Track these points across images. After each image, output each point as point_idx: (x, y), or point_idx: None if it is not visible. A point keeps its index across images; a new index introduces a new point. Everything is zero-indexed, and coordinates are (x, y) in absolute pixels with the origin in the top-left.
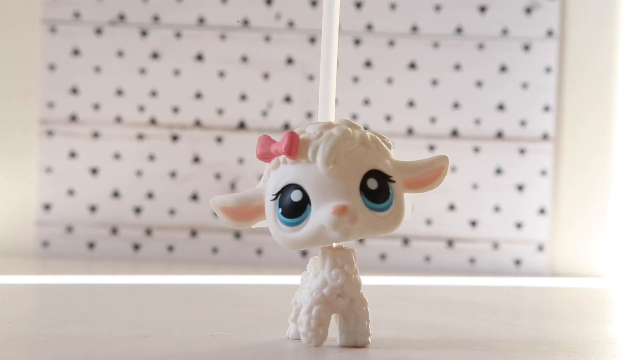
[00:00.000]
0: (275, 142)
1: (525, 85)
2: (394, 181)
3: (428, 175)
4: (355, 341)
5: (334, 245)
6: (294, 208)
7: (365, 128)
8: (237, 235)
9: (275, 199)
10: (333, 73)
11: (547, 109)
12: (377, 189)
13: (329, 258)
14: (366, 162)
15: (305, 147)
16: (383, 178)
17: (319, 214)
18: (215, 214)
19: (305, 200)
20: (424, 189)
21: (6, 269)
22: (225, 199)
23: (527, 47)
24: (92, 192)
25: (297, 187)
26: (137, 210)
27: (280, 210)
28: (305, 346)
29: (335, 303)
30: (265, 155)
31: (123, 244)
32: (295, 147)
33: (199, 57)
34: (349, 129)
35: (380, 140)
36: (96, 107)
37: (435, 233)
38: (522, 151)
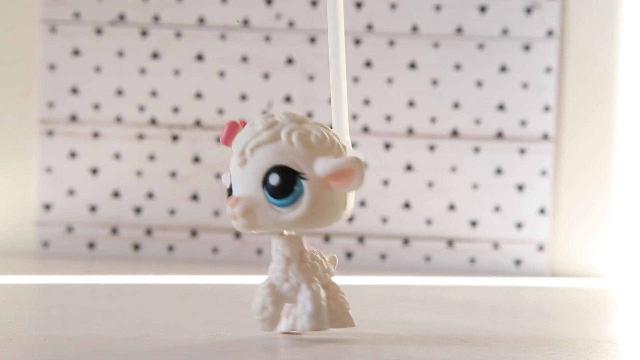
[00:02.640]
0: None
1: (525, 85)
2: (305, 178)
3: (338, 176)
4: (304, 324)
5: (285, 232)
6: (228, 194)
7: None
8: (237, 235)
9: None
10: (343, 78)
11: (547, 109)
12: (279, 185)
13: (273, 244)
14: (275, 158)
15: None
16: (290, 174)
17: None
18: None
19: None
20: (341, 189)
21: (6, 269)
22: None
23: (527, 47)
24: (92, 192)
25: (228, 176)
26: (137, 210)
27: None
28: (305, 345)
29: (282, 289)
30: (227, 142)
31: (123, 244)
32: (228, 136)
33: (199, 57)
34: (279, 121)
35: (309, 134)
36: (96, 107)
37: (435, 233)
38: (522, 151)
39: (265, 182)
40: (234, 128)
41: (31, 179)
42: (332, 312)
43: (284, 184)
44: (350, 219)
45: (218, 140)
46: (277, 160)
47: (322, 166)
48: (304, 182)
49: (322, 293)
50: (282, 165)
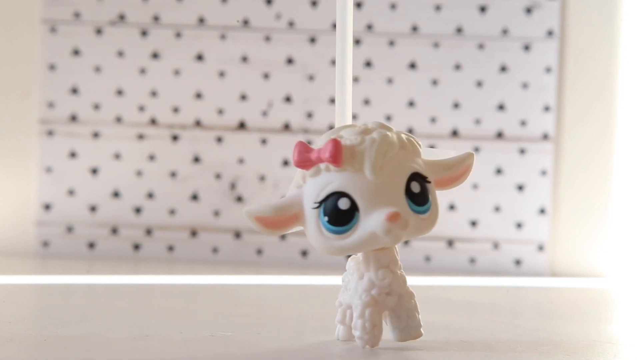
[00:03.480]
0: (312, 149)
1: (525, 85)
2: (429, 182)
3: (456, 173)
4: (409, 335)
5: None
6: (342, 216)
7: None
8: (237, 235)
9: (318, 207)
10: (349, 76)
11: (547, 109)
12: (419, 192)
13: (372, 259)
14: (407, 166)
15: (350, 154)
16: (422, 180)
17: (370, 221)
18: (251, 223)
19: (353, 208)
20: (450, 187)
21: (6, 269)
22: (261, 208)
23: (527, 47)
24: (92, 192)
25: (343, 194)
26: (137, 210)
27: (326, 218)
28: (305, 345)
29: (385, 302)
30: (305, 163)
31: (123, 244)
32: (340, 154)
33: (199, 57)
34: (387, 132)
35: (414, 140)
36: (96, 107)
37: (435, 233)
38: (522, 151)
39: (407, 191)
40: (340, 145)
41: (31, 179)
42: None
43: (423, 190)
44: None
45: (218, 140)
46: (411, 168)
47: (444, 166)
48: (429, 186)
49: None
50: (417, 172)
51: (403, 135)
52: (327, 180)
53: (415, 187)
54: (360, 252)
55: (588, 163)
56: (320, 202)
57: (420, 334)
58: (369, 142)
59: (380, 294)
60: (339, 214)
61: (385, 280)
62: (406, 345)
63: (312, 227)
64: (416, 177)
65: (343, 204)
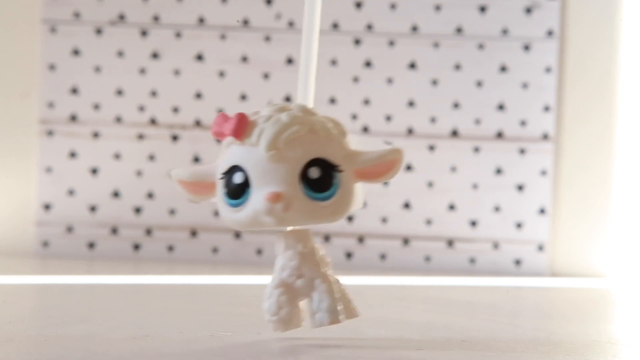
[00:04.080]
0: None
1: (525, 85)
2: (340, 170)
3: (380, 167)
4: (322, 319)
5: (286, 227)
6: (237, 189)
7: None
8: (237, 235)
9: (222, 178)
10: (313, 58)
11: (547, 109)
12: (319, 178)
13: (282, 240)
14: (311, 150)
15: (252, 129)
16: (328, 167)
17: (255, 199)
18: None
19: (247, 183)
20: (376, 180)
21: (6, 269)
22: (182, 172)
23: (527, 47)
24: (92, 192)
25: (241, 169)
26: (137, 210)
27: (225, 190)
28: (305, 345)
29: (296, 285)
30: (219, 134)
31: (123, 244)
32: (241, 128)
33: (199, 57)
34: (301, 114)
35: (333, 127)
36: (96, 107)
37: (435, 233)
38: (522, 151)
39: (303, 175)
40: (244, 120)
41: (31, 179)
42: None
43: (324, 177)
44: (350, 219)
45: (218, 140)
46: (314, 153)
47: (365, 158)
48: (339, 175)
49: (336, 286)
50: (321, 158)
51: (326, 121)
52: (232, 153)
53: (314, 172)
54: (253, 228)
55: (588, 163)
56: (224, 174)
57: (337, 321)
58: (273, 120)
59: (290, 276)
60: (234, 187)
61: (293, 262)
62: (406, 346)
63: (219, 198)
64: (318, 162)
65: (238, 177)
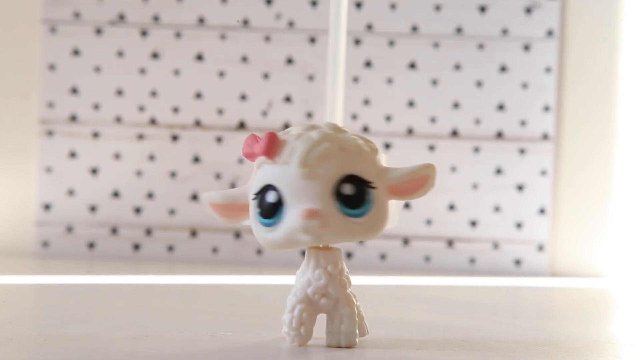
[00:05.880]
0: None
1: (525, 85)
2: (374, 187)
3: (411, 183)
4: (339, 342)
5: (321, 245)
6: (270, 209)
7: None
8: (237, 235)
9: (255, 198)
10: (339, 73)
11: (547, 109)
12: (353, 195)
13: (313, 258)
14: (343, 167)
15: (283, 148)
16: (361, 183)
17: (291, 217)
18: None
19: (281, 202)
20: (409, 197)
21: (6, 269)
22: (213, 195)
23: (527, 47)
24: (92, 192)
25: (274, 188)
26: (137, 210)
27: (258, 210)
28: (305, 347)
29: (319, 303)
30: (250, 155)
31: (123, 244)
32: (272, 148)
33: (199, 57)
34: (331, 131)
35: (364, 144)
36: (96, 107)
37: (435, 233)
38: (522, 151)
39: (337, 192)
40: (275, 139)
41: (31, 179)
42: None
43: (358, 193)
44: None
45: (218, 140)
46: (346, 169)
47: (397, 174)
48: (372, 191)
49: (357, 309)
50: (353, 175)
51: (357, 139)
52: (265, 173)
53: (348, 189)
54: (288, 247)
55: (588, 163)
56: (257, 194)
57: (353, 344)
58: (303, 139)
59: (314, 294)
60: (267, 206)
61: (321, 281)
62: (406, 345)
63: (252, 218)
64: (351, 179)
65: (271, 197)
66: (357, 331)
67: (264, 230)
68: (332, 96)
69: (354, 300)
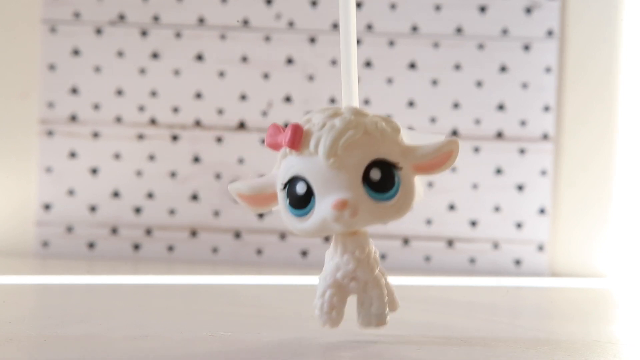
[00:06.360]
0: (282, 132)
1: (525, 85)
2: (400, 168)
3: (436, 159)
4: (370, 323)
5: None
6: (300, 200)
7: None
8: (237, 235)
9: (284, 188)
10: (354, 57)
11: (547, 109)
12: (381, 179)
13: (340, 243)
14: (369, 152)
15: (308, 139)
16: (388, 166)
17: (322, 207)
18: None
19: (310, 192)
20: (434, 172)
21: (6, 269)
22: (240, 186)
23: (527, 47)
24: (92, 192)
25: (302, 179)
26: (137, 210)
27: (288, 200)
28: (306, 345)
29: (349, 287)
30: (274, 145)
31: (123, 244)
32: (297, 139)
33: (199, 57)
34: (353, 117)
35: (386, 125)
36: (96, 107)
37: (435, 233)
38: (522, 151)
39: (365, 178)
40: (299, 130)
41: (31, 179)
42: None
43: (386, 177)
44: None
45: (218, 140)
46: (372, 154)
47: (422, 152)
48: (399, 172)
49: (385, 290)
50: (380, 159)
51: (374, 121)
52: (291, 163)
53: (376, 174)
54: (321, 235)
55: (588, 163)
56: (285, 185)
57: (384, 323)
58: (327, 127)
59: (344, 278)
60: (297, 197)
61: (350, 266)
62: (406, 345)
63: (282, 208)
64: (378, 164)
65: (300, 188)
66: (388, 309)
67: (296, 220)
68: (347, 94)
69: (383, 278)
